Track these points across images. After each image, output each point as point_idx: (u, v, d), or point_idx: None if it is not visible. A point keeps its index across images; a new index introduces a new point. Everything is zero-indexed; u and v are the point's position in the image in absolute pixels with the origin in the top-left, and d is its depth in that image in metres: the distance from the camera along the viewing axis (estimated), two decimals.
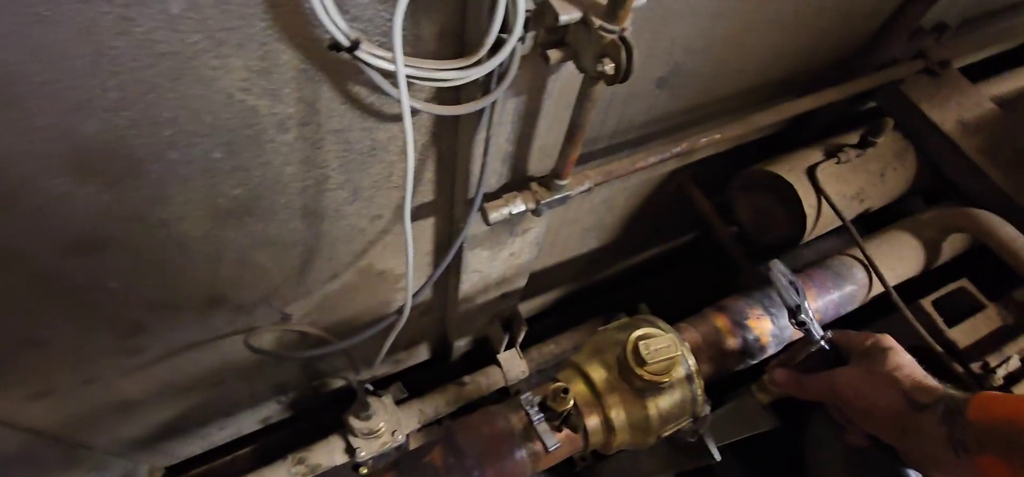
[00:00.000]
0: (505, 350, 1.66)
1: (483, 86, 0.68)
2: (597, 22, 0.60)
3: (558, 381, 0.90)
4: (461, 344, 1.71)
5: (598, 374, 0.86)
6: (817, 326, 0.81)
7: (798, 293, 0.82)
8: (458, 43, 0.68)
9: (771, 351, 1.01)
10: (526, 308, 1.85)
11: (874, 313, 1.11)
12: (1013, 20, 1.38)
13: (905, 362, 0.68)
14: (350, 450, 1.50)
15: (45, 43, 0.50)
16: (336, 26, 0.54)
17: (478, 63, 0.62)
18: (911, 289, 1.08)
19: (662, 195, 1.49)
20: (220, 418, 1.53)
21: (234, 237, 0.84)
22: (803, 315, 0.80)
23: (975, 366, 0.94)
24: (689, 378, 0.86)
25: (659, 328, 0.91)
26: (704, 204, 1.38)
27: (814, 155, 1.17)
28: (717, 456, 0.91)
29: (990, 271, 1.08)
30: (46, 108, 0.55)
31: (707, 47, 0.96)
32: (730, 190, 1.31)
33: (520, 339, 1.61)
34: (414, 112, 0.76)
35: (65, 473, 1.25)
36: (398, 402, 1.59)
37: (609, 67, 0.61)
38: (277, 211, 0.84)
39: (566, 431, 0.80)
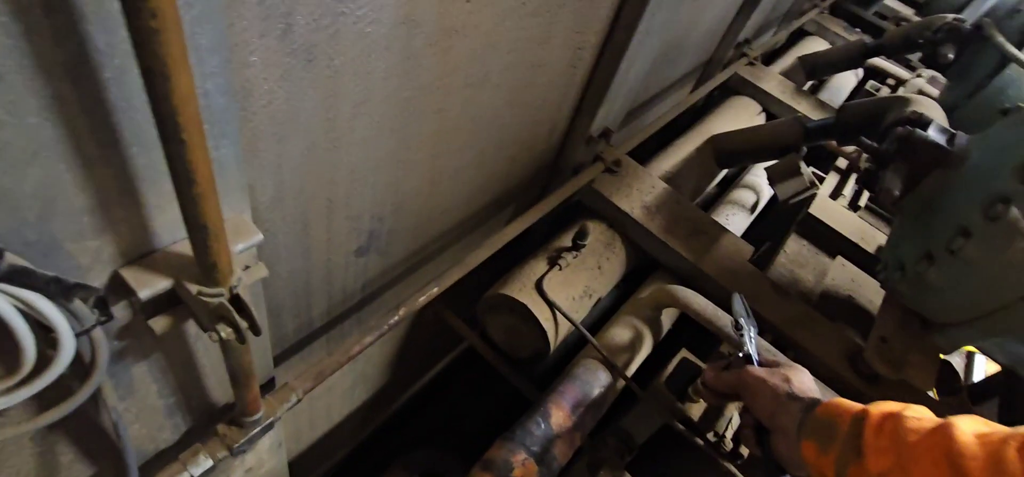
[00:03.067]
0: None
1: (80, 377, 0.50)
2: (194, 288, 0.48)
3: None
4: None
5: None
6: (750, 346, 0.94)
7: (745, 320, 0.98)
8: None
9: None
10: None
11: (625, 404, 1.17)
12: (659, 106, 1.69)
13: (802, 376, 0.80)
14: None
15: None
16: None
17: (24, 381, 0.44)
18: (649, 369, 1.17)
19: (422, 327, 1.42)
20: None
21: None
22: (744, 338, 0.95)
23: (710, 435, 1.04)
24: None
25: None
26: (465, 330, 1.34)
27: (540, 266, 1.21)
28: None
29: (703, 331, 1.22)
30: None
31: (398, 205, 0.92)
32: (478, 315, 1.29)
33: None
34: None
35: None
36: None
37: (226, 332, 0.49)
38: None
39: None
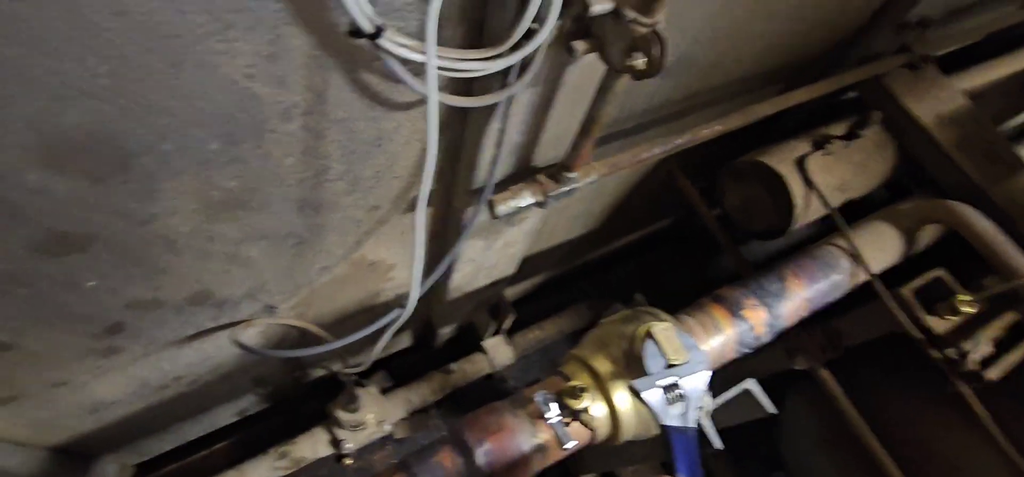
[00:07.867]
0: (491, 337, 1.65)
1: (502, 78, 0.65)
2: (630, 14, 0.58)
3: (563, 373, 0.89)
4: (445, 331, 1.69)
5: (603, 366, 0.86)
6: None
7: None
8: (476, 32, 0.64)
9: (765, 339, 1.03)
10: (510, 293, 1.84)
11: (855, 301, 1.15)
12: (987, 14, 1.44)
13: None
14: (335, 442, 1.47)
15: (23, 21, 0.44)
16: (361, 11, 0.50)
17: (506, 53, 0.59)
18: (889, 276, 1.13)
19: (650, 182, 1.50)
20: (195, 413, 1.46)
21: (225, 231, 0.79)
22: None
23: (950, 352, 1.00)
24: None
25: (661, 321, 0.91)
26: (692, 192, 1.39)
27: (802, 146, 1.19)
28: (718, 444, 0.93)
29: (962, 258, 1.14)
30: (20, 96, 0.49)
31: (712, 38, 0.96)
32: (720, 178, 1.32)
33: (507, 326, 1.61)
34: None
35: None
36: (383, 390, 1.56)
37: (640, 62, 0.60)
38: (272, 204, 0.79)
39: (577, 426, 0.80)
